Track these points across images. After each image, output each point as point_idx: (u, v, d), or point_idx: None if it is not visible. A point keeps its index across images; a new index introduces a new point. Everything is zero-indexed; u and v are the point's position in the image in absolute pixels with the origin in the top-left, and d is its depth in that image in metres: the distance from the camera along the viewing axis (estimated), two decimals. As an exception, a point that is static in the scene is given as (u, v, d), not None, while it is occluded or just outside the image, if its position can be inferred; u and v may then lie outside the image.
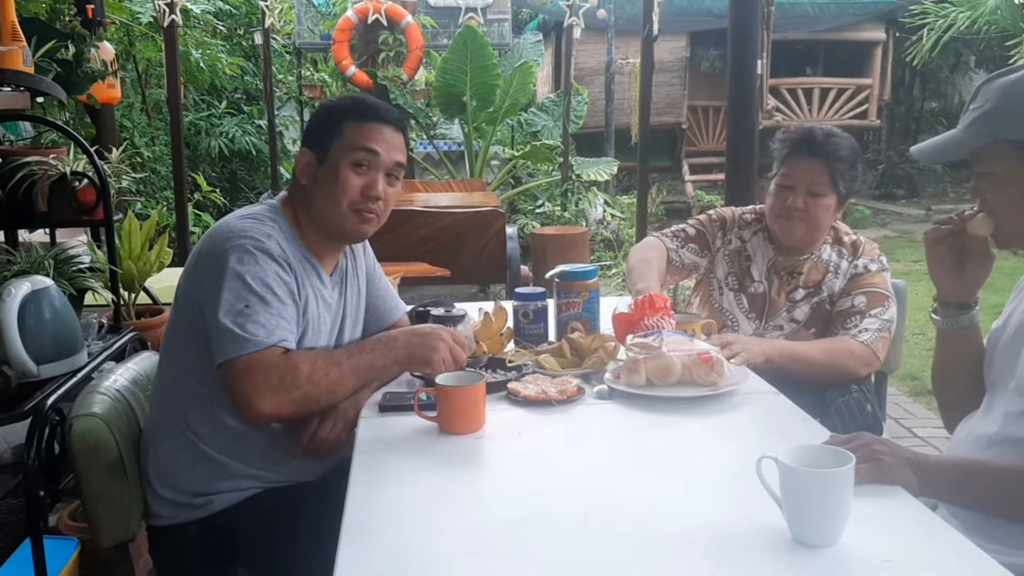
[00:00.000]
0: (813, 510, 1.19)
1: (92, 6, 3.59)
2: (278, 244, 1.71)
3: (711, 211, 2.58)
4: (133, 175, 3.09)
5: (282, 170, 8.72)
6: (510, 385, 1.83)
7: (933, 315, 1.71)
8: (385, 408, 1.78)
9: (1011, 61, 8.30)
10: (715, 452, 1.57)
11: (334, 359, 1.73)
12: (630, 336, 1.97)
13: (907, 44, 10.12)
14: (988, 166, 1.45)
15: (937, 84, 14.25)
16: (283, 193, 1.88)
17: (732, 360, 1.97)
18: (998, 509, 1.40)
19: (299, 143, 1.89)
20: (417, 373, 1.91)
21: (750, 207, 2.56)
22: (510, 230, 5.91)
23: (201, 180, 6.77)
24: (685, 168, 12.23)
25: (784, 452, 1.21)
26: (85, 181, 2.47)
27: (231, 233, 1.69)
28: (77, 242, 2.94)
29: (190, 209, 6.01)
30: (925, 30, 9.40)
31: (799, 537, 1.19)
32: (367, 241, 2.06)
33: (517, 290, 2.22)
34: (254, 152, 8.72)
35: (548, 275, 2.21)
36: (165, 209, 6.39)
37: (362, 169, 1.79)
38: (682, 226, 2.56)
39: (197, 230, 6.68)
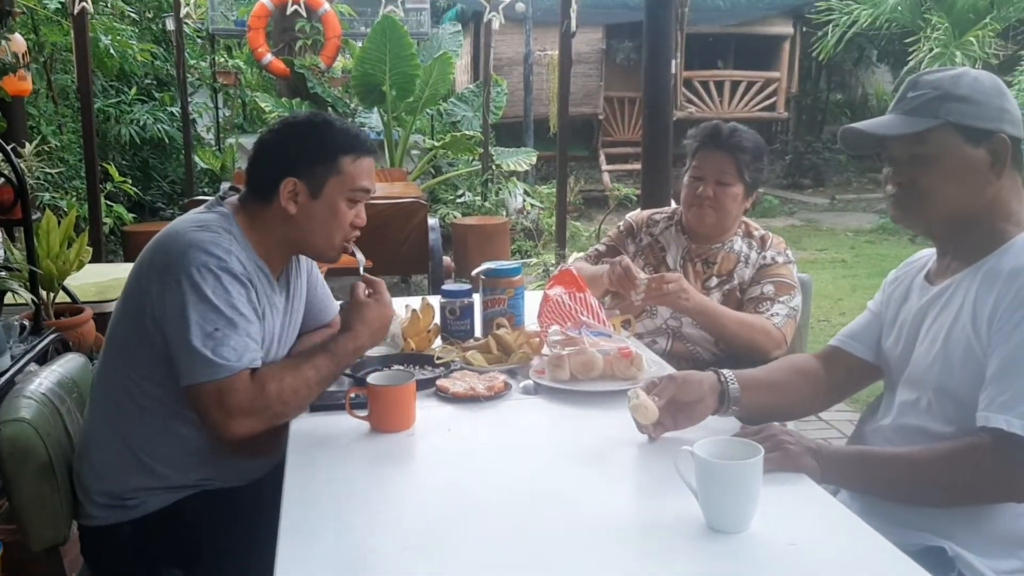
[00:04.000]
0: (725, 499, 1.29)
1: (0, -5, 3.48)
2: (238, 260, 1.69)
3: (620, 222, 2.75)
4: (47, 170, 3.03)
5: (196, 159, 8.54)
6: (439, 382, 1.89)
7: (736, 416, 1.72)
8: (316, 408, 1.81)
9: (910, 56, 8.72)
10: (635, 444, 1.66)
11: (300, 374, 1.70)
12: (553, 327, 2.06)
13: (813, 39, 10.46)
14: (926, 147, 1.55)
15: (842, 77, 14.77)
16: (232, 200, 1.83)
17: (665, 288, 2.19)
18: (891, 493, 1.52)
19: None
20: (347, 372, 1.96)
21: (663, 209, 2.73)
22: (432, 221, 5.92)
23: (112, 170, 6.58)
24: (602, 158, 12.40)
25: (698, 445, 1.30)
26: (2, 180, 2.42)
27: (189, 247, 1.65)
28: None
29: (102, 200, 5.84)
30: (830, 26, 9.74)
31: (713, 524, 1.28)
32: None
33: (444, 287, 2.28)
34: (167, 140, 8.50)
35: (474, 272, 2.28)
36: (75, 199, 6.20)
37: (355, 203, 1.83)
38: (595, 247, 2.75)
39: (108, 221, 6.51)
